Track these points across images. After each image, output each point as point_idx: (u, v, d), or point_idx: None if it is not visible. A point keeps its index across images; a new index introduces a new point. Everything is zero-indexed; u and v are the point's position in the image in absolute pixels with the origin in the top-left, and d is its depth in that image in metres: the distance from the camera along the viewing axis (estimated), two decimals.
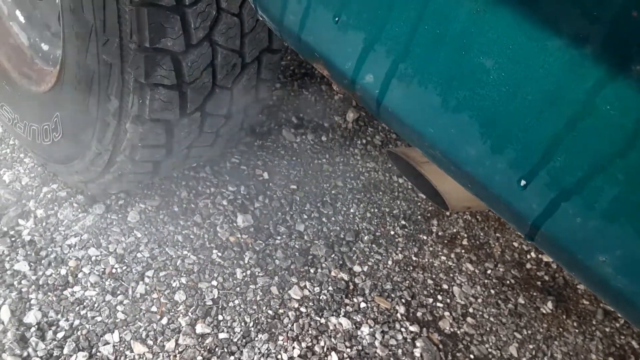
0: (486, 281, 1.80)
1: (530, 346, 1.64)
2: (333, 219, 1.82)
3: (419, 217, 1.95)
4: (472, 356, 1.55)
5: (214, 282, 1.50)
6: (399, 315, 1.58)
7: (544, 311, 1.77)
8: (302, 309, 1.51)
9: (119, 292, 1.41)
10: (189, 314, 1.40)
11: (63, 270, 1.42)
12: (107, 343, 1.30)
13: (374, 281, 1.66)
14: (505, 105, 0.65)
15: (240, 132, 1.58)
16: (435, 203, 1.38)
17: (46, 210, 1.56)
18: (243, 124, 1.54)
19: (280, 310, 1.49)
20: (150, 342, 1.33)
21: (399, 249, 1.80)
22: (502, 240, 1.98)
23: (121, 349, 1.30)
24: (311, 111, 2.24)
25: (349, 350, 1.45)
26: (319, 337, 1.45)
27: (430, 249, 1.84)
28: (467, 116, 0.70)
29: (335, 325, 1.50)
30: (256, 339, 1.40)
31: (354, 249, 1.74)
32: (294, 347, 1.41)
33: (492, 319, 1.68)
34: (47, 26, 1.55)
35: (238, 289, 1.51)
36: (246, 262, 1.58)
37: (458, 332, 1.60)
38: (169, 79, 1.19)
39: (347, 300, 1.57)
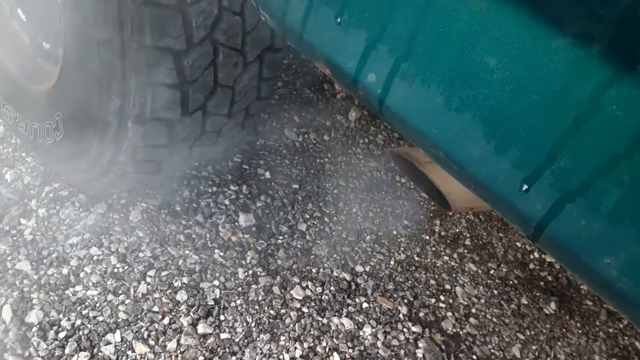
0: (489, 281, 1.79)
1: (534, 347, 1.63)
2: (335, 218, 1.82)
3: (422, 217, 1.94)
4: (474, 357, 1.54)
5: (216, 282, 1.49)
6: (401, 315, 1.58)
7: (547, 312, 1.76)
8: (304, 309, 1.51)
9: (120, 291, 1.41)
10: (191, 314, 1.40)
11: (65, 270, 1.42)
12: (108, 343, 1.30)
13: (376, 281, 1.65)
14: (509, 104, 0.64)
15: (242, 131, 1.58)
16: (438, 203, 1.37)
17: (48, 209, 1.56)
18: (245, 123, 1.54)
19: (282, 311, 1.48)
20: (151, 342, 1.32)
21: (402, 249, 1.79)
22: (505, 240, 1.98)
23: (123, 349, 1.30)
24: (313, 110, 2.23)
25: (351, 350, 1.44)
26: (321, 338, 1.45)
27: (433, 249, 1.84)
28: (470, 116, 0.69)
29: (337, 325, 1.49)
30: (258, 339, 1.40)
31: (356, 248, 1.74)
32: (295, 348, 1.41)
33: (494, 319, 1.68)
34: (49, 25, 1.55)
35: (240, 288, 1.50)
36: (248, 261, 1.58)
37: (461, 332, 1.60)
38: (171, 77, 1.19)
39: (349, 301, 1.57)
